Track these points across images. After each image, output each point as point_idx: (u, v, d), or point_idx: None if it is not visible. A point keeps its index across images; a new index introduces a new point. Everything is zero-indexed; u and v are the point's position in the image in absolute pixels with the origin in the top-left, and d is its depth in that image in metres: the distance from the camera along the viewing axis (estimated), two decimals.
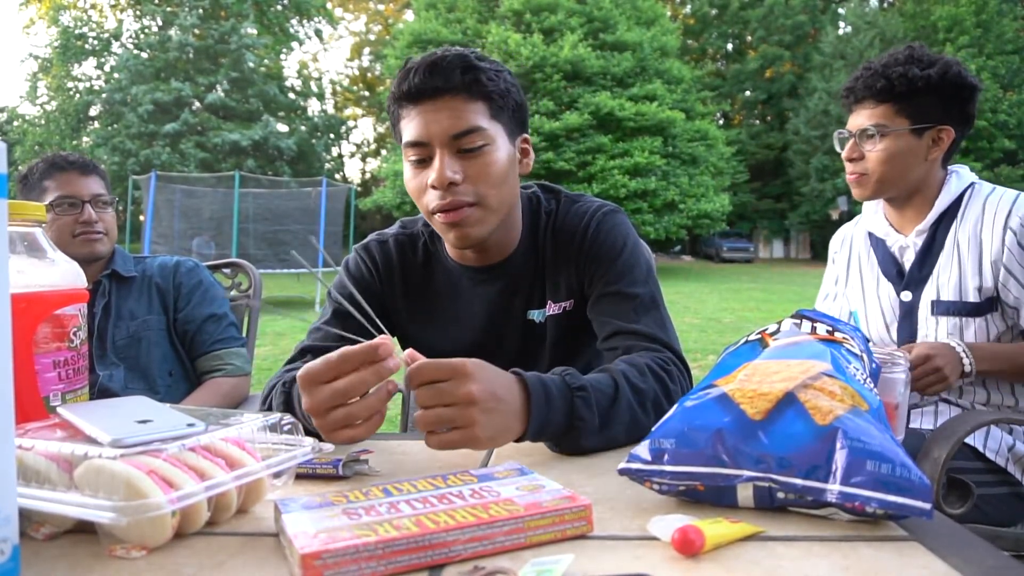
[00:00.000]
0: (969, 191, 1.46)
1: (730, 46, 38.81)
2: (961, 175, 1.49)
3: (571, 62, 21.11)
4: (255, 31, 29.27)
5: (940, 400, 1.47)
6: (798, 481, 0.60)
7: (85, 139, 29.07)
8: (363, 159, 44.64)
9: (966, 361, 1.33)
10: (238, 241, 13.21)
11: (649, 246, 1.35)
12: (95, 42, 29.65)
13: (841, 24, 33.47)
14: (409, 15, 30.77)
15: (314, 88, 34.24)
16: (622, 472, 0.68)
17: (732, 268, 25.13)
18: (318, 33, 34.70)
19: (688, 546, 0.53)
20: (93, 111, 29.98)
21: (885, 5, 34.78)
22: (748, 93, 36.13)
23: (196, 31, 28.23)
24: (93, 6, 30.81)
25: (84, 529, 0.60)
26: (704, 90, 29.91)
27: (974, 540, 0.56)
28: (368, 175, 40.62)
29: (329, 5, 35.41)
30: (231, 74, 28.00)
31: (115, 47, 29.54)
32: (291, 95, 32.08)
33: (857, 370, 0.72)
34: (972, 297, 1.39)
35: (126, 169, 24.35)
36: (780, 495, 0.62)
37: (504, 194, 1.08)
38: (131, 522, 0.54)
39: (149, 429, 0.61)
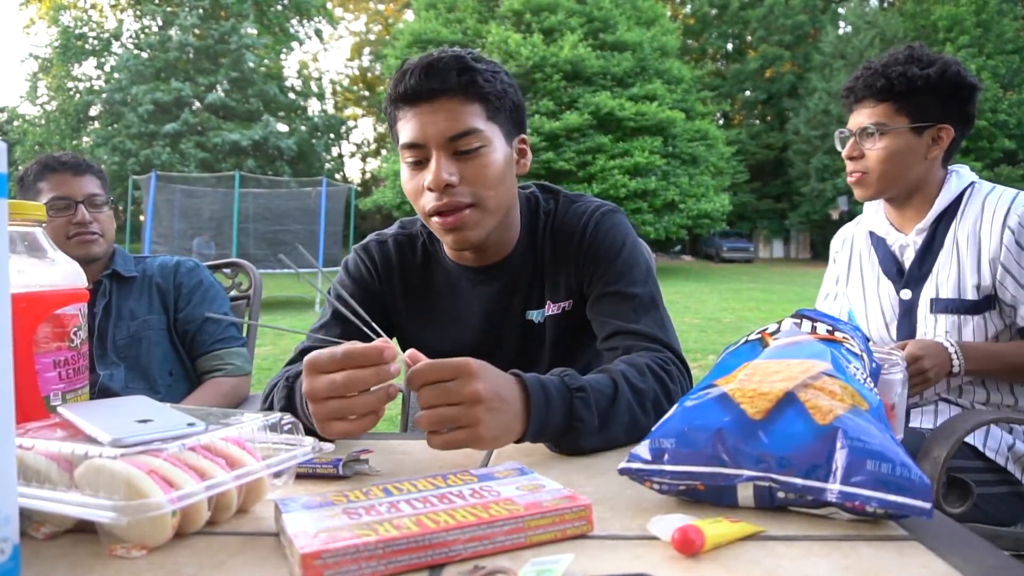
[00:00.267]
0: (969, 190, 1.47)
1: (730, 46, 38.81)
2: (961, 174, 1.50)
3: (571, 62, 21.10)
4: (255, 31, 29.27)
5: (940, 399, 1.47)
6: (798, 481, 0.60)
7: (85, 139, 29.07)
8: (363, 159, 44.68)
9: (955, 361, 1.33)
10: (238, 241, 13.20)
11: (649, 246, 1.36)
12: (95, 42, 29.65)
13: (841, 24, 33.46)
14: (409, 15, 30.76)
15: (314, 88, 34.24)
16: (622, 472, 0.68)
17: (732, 268, 25.13)
18: (318, 33, 34.72)
19: (688, 546, 0.53)
20: (93, 111, 29.99)
21: (885, 5, 34.77)
22: (748, 93, 36.13)
23: (196, 31, 28.23)
24: (93, 6, 30.83)
25: (84, 529, 0.60)
26: (704, 90, 29.89)
27: (974, 539, 0.56)
28: (368, 175, 40.64)
29: (329, 5, 35.42)
30: (231, 74, 28.00)
31: (115, 47, 29.55)
32: (291, 95, 32.08)
33: (857, 370, 0.72)
34: (970, 295, 1.40)
35: (126, 169, 24.34)
36: (780, 495, 0.62)
37: (501, 195, 1.08)
38: (131, 522, 0.54)
39: (149, 429, 0.61)
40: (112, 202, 1.80)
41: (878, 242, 1.58)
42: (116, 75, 28.21)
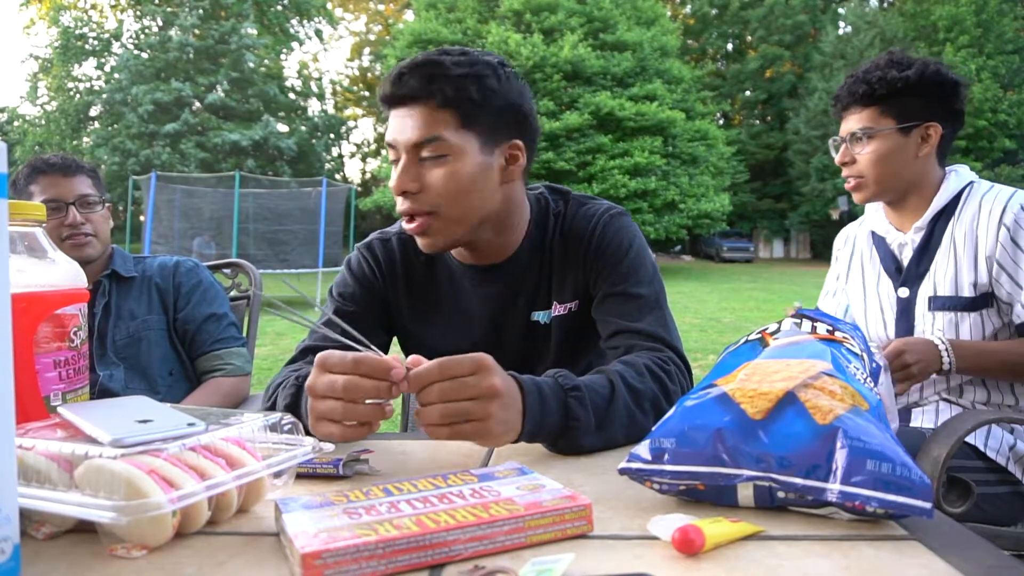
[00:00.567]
0: (967, 189, 1.48)
1: (730, 46, 38.81)
2: (960, 174, 1.51)
3: (571, 62, 21.11)
4: (255, 31, 29.27)
5: (940, 399, 1.47)
6: (798, 480, 0.60)
7: (85, 139, 29.09)
8: (363, 159, 44.63)
9: (945, 359, 1.34)
10: (238, 241, 13.20)
11: (649, 246, 1.36)
12: (95, 42, 29.65)
13: (841, 24, 33.45)
14: (409, 15, 30.78)
15: (314, 88, 34.23)
16: (622, 472, 0.68)
17: (732, 268, 25.13)
18: (318, 33, 34.71)
19: (688, 545, 0.53)
20: (93, 111, 29.99)
21: (885, 5, 34.76)
22: (748, 93, 36.12)
23: (196, 31, 28.23)
24: (93, 6, 30.84)
25: (84, 529, 0.60)
26: (704, 90, 29.89)
27: (974, 539, 0.56)
28: (368, 175, 40.59)
29: (329, 5, 35.41)
30: (231, 74, 28.00)
31: (115, 47, 29.55)
32: (291, 95, 32.09)
33: (857, 369, 0.72)
34: (967, 292, 1.41)
35: (126, 169, 24.35)
36: (780, 494, 0.62)
37: (469, 204, 1.06)
38: (131, 522, 0.54)
39: (149, 429, 0.61)
40: (107, 201, 1.79)
41: (879, 241, 1.60)
42: (116, 75, 28.21)
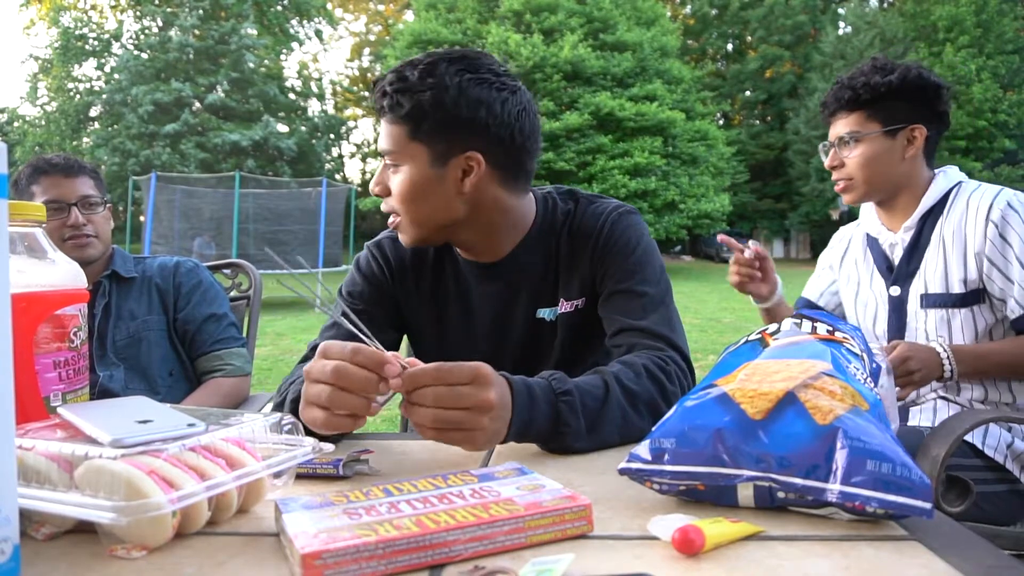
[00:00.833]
0: (956, 189, 1.51)
1: (730, 46, 38.80)
2: (948, 174, 1.55)
3: (571, 62, 21.11)
4: (255, 32, 29.25)
5: (938, 397, 1.48)
6: (798, 481, 0.60)
7: (85, 140, 29.08)
8: (363, 159, 44.59)
9: (947, 366, 1.35)
10: (238, 241, 13.21)
11: None
12: (95, 43, 29.64)
13: (841, 24, 33.45)
14: (409, 15, 30.78)
15: (314, 88, 34.22)
16: (622, 472, 0.68)
17: None
18: (318, 34, 34.70)
19: (688, 546, 0.53)
20: (93, 112, 29.98)
21: (885, 5, 34.76)
22: (748, 93, 36.11)
23: (196, 32, 28.22)
24: (93, 7, 30.83)
25: (84, 529, 0.60)
26: (704, 90, 29.89)
27: (974, 539, 0.56)
28: (368, 175, 40.54)
29: (329, 6, 35.41)
30: (231, 74, 27.99)
31: (115, 48, 29.53)
32: (291, 95, 32.07)
33: (857, 370, 0.72)
34: (957, 289, 1.44)
35: (126, 170, 24.35)
36: (780, 495, 0.62)
37: (420, 211, 1.12)
38: (131, 522, 0.54)
39: (149, 429, 0.61)
40: (108, 202, 1.79)
41: (872, 242, 1.63)
42: (116, 76, 28.20)
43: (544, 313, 1.21)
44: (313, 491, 0.65)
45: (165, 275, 1.84)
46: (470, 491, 0.62)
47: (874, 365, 0.83)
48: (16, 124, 31.49)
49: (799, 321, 0.84)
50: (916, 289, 1.50)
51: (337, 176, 33.42)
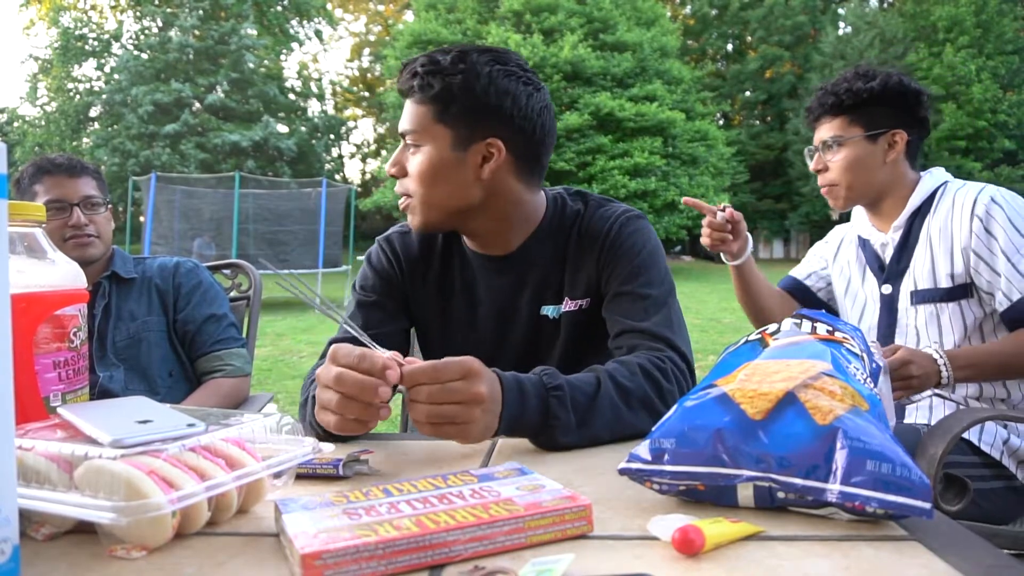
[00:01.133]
0: (942, 188, 1.55)
1: (730, 46, 38.79)
2: (935, 174, 1.59)
3: (571, 62, 21.10)
4: (255, 32, 29.25)
5: (933, 394, 1.50)
6: (798, 481, 0.60)
7: (85, 140, 29.07)
8: (363, 160, 44.64)
9: (944, 373, 1.36)
10: (238, 242, 13.21)
11: None
12: (95, 43, 29.64)
13: (841, 24, 33.42)
14: (409, 16, 30.76)
15: (314, 89, 34.22)
16: (622, 472, 0.68)
17: None
18: (318, 34, 34.70)
19: (688, 546, 0.53)
20: (93, 112, 29.97)
21: (885, 5, 34.76)
22: (748, 93, 36.09)
23: (196, 32, 28.22)
24: (93, 7, 30.83)
25: (84, 529, 0.60)
26: (704, 90, 29.87)
27: (974, 539, 0.56)
28: (368, 176, 40.55)
29: (329, 6, 35.40)
30: (231, 75, 27.99)
31: (115, 48, 29.53)
32: (291, 96, 32.07)
33: (857, 370, 0.72)
34: (944, 283, 1.47)
35: (126, 170, 24.34)
36: (780, 495, 0.62)
37: (437, 192, 1.13)
38: (131, 522, 0.54)
39: (149, 429, 0.61)
40: (110, 203, 1.79)
41: (863, 243, 1.67)
42: (116, 76, 28.20)
43: (548, 310, 1.23)
44: (313, 491, 0.65)
45: (165, 276, 1.84)
46: (470, 491, 0.62)
47: (874, 365, 0.83)
48: (16, 124, 31.49)
49: (799, 321, 0.84)
50: (906, 286, 1.53)
51: (337, 176, 33.43)
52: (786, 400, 0.65)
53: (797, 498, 0.61)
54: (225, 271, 2.14)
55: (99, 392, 1.65)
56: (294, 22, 33.15)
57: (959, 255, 1.45)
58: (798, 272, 1.87)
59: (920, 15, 29.68)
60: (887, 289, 1.58)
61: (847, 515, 0.59)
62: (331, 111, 35.56)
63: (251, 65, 28.25)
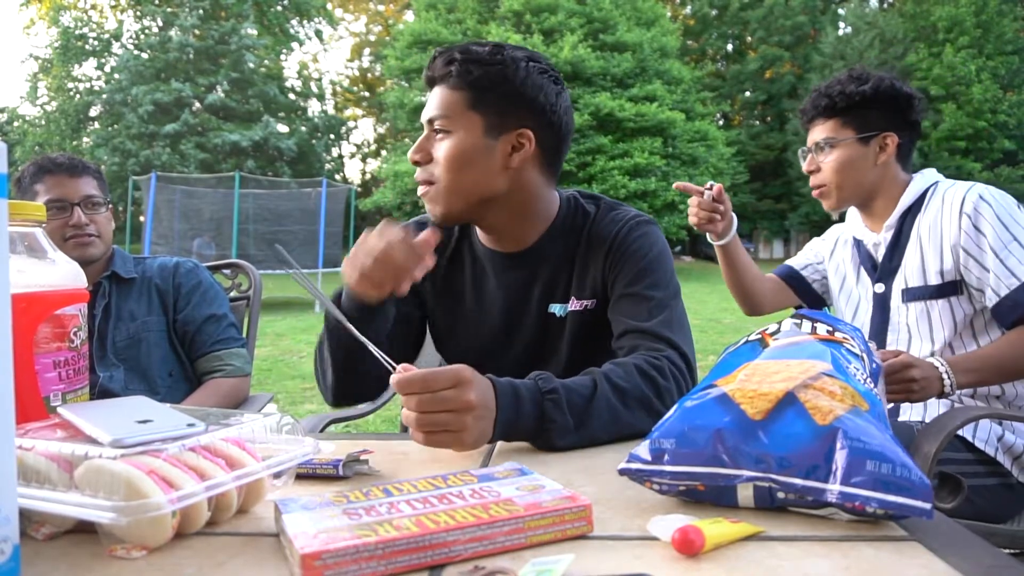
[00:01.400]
0: (932, 188, 1.56)
1: (730, 47, 38.78)
2: (925, 175, 1.61)
3: (571, 63, 21.11)
4: (255, 32, 29.25)
5: None
6: (798, 481, 0.60)
7: (85, 140, 29.06)
8: (363, 160, 44.63)
9: (947, 381, 1.37)
10: (238, 242, 13.20)
11: None
12: (95, 43, 29.63)
13: (841, 25, 33.43)
14: (409, 16, 30.76)
15: (314, 89, 34.22)
16: (622, 472, 0.68)
17: None
18: (318, 34, 34.69)
19: (688, 546, 0.53)
20: (93, 112, 29.97)
21: (885, 6, 34.76)
22: (748, 94, 36.09)
23: (196, 32, 28.22)
24: (93, 7, 30.82)
25: (84, 529, 0.60)
26: (704, 91, 29.89)
27: (973, 539, 0.56)
28: (368, 176, 40.54)
29: (329, 6, 35.40)
30: (231, 75, 27.99)
31: (115, 48, 29.52)
32: (291, 96, 32.06)
33: (857, 370, 0.72)
34: (934, 280, 1.49)
35: (126, 170, 24.34)
36: (780, 495, 0.62)
37: (464, 179, 1.13)
38: (131, 522, 0.54)
39: (149, 429, 0.61)
40: (110, 203, 1.79)
41: (857, 243, 1.69)
42: (116, 76, 28.20)
43: (555, 308, 1.24)
44: (313, 491, 0.65)
45: (165, 276, 1.84)
46: (470, 491, 0.62)
47: (874, 366, 0.83)
48: (16, 124, 31.48)
49: (799, 321, 0.84)
50: (898, 284, 1.55)
51: (337, 176, 33.41)
52: (786, 400, 0.65)
53: (797, 498, 0.61)
54: (225, 271, 2.14)
55: (99, 392, 1.65)
56: (294, 22, 33.15)
57: (948, 252, 1.46)
58: (795, 262, 1.88)
59: (920, 15, 29.68)
60: (880, 288, 1.59)
61: (847, 515, 0.59)
62: (331, 111, 35.55)
63: (251, 65, 28.25)
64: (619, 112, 21.05)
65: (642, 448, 0.67)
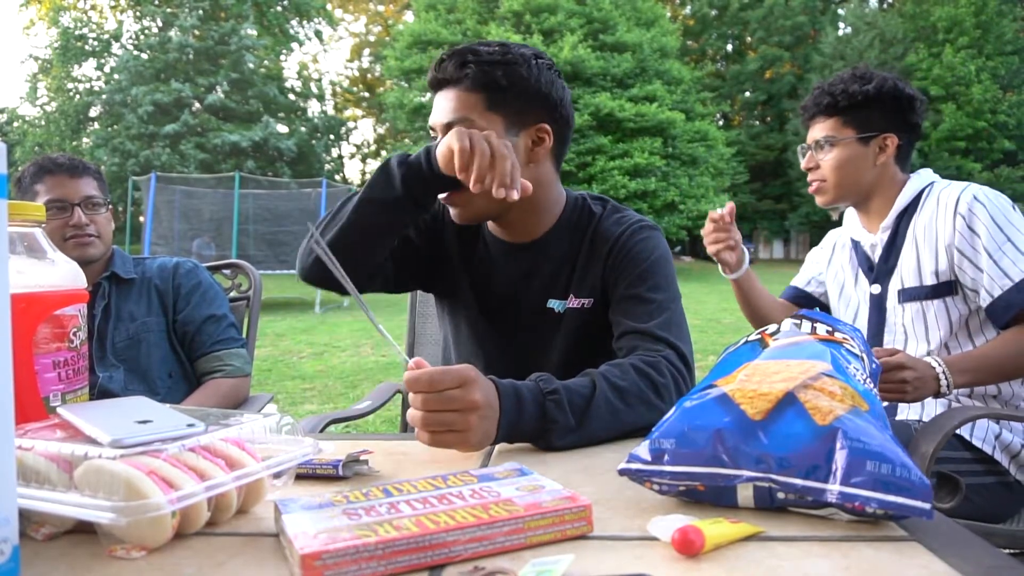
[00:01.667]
0: (928, 188, 1.57)
1: (730, 47, 38.81)
2: (921, 175, 1.61)
3: (571, 63, 21.10)
4: (255, 32, 29.23)
5: None
6: (798, 481, 0.60)
7: (85, 140, 29.05)
8: (363, 160, 44.59)
9: (943, 381, 1.37)
10: (238, 242, 13.21)
11: None
12: (95, 43, 29.61)
13: (841, 25, 33.45)
14: (409, 16, 30.77)
15: (314, 89, 34.20)
16: (622, 472, 0.68)
17: None
18: (318, 34, 34.68)
19: (688, 546, 0.53)
20: (93, 112, 29.94)
21: (885, 6, 34.78)
22: (748, 94, 36.11)
23: (196, 32, 28.20)
24: (93, 7, 30.80)
25: (84, 529, 0.60)
26: (704, 91, 29.89)
27: (973, 539, 0.56)
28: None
29: (329, 6, 35.38)
30: (231, 75, 27.98)
31: (115, 48, 29.50)
32: (291, 96, 32.04)
33: (857, 370, 0.72)
34: (929, 280, 1.49)
35: (126, 170, 24.33)
36: (780, 495, 0.62)
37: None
38: (131, 522, 0.54)
39: (149, 429, 0.61)
40: (110, 203, 1.79)
41: (855, 245, 1.70)
42: (116, 76, 28.17)
43: (554, 303, 1.25)
44: (313, 491, 0.65)
45: (164, 276, 1.84)
46: (470, 492, 0.62)
47: (873, 366, 0.83)
48: (16, 124, 31.47)
49: (799, 322, 0.84)
50: (894, 285, 1.55)
51: (337, 177, 33.39)
52: (786, 400, 0.65)
53: (797, 498, 0.61)
54: (225, 271, 2.14)
55: (99, 392, 1.65)
56: (294, 22, 33.12)
57: (943, 253, 1.47)
58: (798, 281, 1.90)
59: (920, 16, 29.68)
60: (876, 289, 1.60)
61: (847, 515, 0.59)
62: (331, 111, 35.54)
63: (251, 65, 28.23)
64: (619, 112, 21.06)
65: (642, 448, 0.67)
